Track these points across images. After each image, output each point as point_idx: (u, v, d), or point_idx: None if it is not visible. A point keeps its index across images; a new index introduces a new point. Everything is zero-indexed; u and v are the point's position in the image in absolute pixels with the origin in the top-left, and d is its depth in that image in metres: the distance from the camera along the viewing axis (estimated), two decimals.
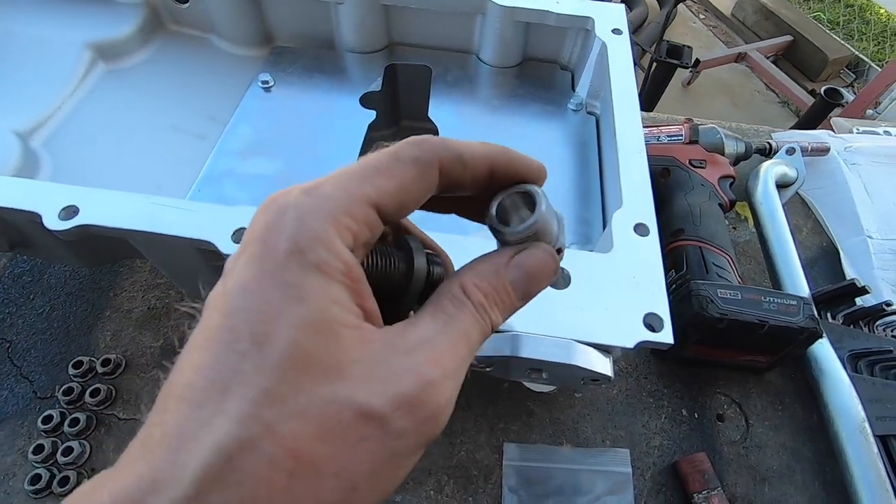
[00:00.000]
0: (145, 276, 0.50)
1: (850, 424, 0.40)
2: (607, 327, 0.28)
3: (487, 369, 0.29)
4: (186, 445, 0.13)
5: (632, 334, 0.28)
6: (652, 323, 0.28)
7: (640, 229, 0.32)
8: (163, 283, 0.49)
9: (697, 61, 1.97)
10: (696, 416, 0.44)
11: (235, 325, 0.14)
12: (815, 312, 0.41)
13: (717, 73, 2.22)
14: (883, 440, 0.40)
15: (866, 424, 0.40)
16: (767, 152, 0.59)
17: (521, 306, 0.18)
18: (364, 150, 0.45)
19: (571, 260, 0.30)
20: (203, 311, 0.15)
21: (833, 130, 0.67)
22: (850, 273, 0.53)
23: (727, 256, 0.47)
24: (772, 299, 0.41)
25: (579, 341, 0.28)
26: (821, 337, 0.40)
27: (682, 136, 0.55)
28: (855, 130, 0.66)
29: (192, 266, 0.35)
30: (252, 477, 0.13)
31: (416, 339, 0.15)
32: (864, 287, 0.45)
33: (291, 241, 0.14)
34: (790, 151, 0.58)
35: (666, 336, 0.28)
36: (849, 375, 0.43)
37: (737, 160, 0.57)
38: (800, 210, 0.59)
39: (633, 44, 1.73)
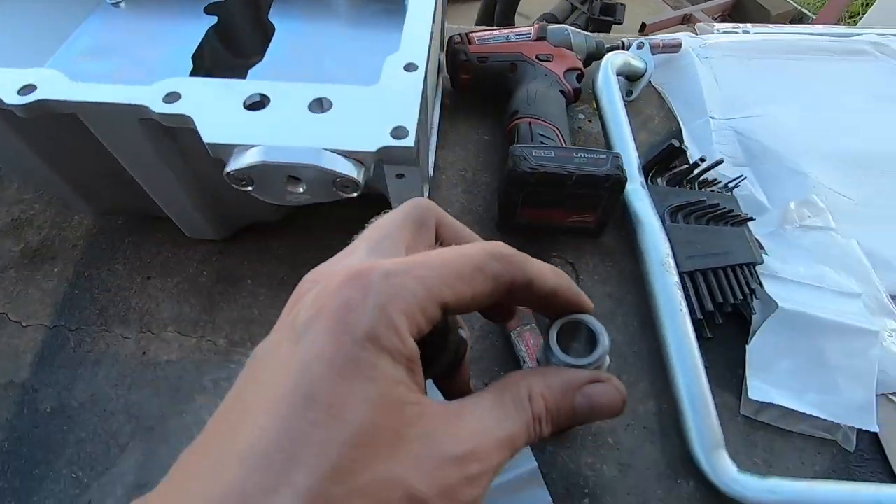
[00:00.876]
0: (11, 192, 0.52)
1: (655, 260, 0.43)
2: (356, 138, 0.31)
3: (249, 188, 0.31)
4: None
5: (377, 141, 0.31)
6: (398, 133, 0.31)
7: (410, 67, 0.35)
8: (28, 198, 0.51)
9: (644, 25, 2.01)
10: None
11: (309, 392, 0.14)
12: (622, 163, 0.44)
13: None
14: (690, 275, 0.43)
15: (669, 259, 0.43)
16: (619, 49, 0.62)
17: (567, 429, 0.19)
18: (198, 54, 0.48)
19: (336, 93, 0.33)
20: (255, 363, 0.16)
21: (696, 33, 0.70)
22: (691, 149, 0.56)
23: (556, 129, 0.49)
24: (583, 155, 0.44)
25: (329, 150, 0.30)
26: (625, 183, 0.43)
27: (530, 34, 0.58)
28: (716, 31, 0.70)
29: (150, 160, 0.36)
30: None
31: (469, 428, 0.16)
32: (680, 147, 0.48)
33: (370, 326, 0.15)
34: (640, 46, 0.61)
35: (409, 142, 0.31)
36: (666, 226, 0.46)
37: (589, 57, 0.60)
38: (655, 102, 0.62)
39: (567, 1, 1.75)
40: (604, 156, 0.44)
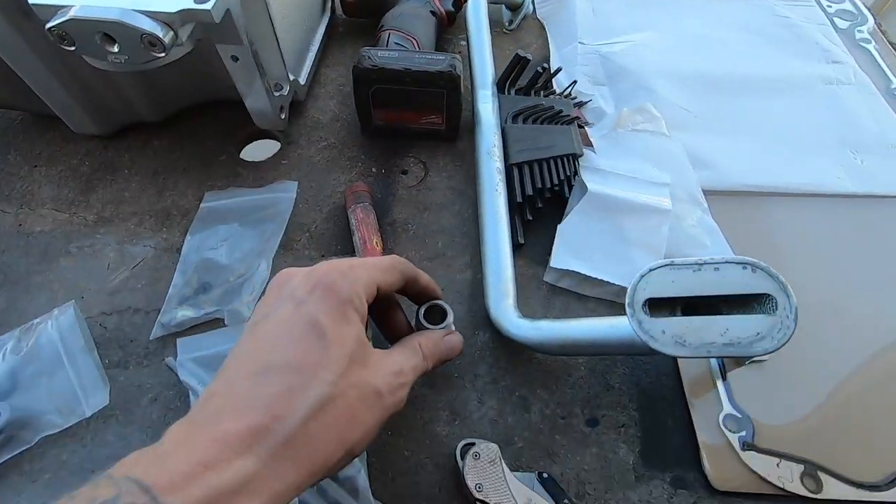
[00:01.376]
0: None
1: (483, 150, 0.48)
2: (163, 1, 0.35)
3: (72, 48, 0.36)
4: (297, 396, 0.23)
5: (179, 4, 0.35)
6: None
7: None
8: None
9: None
10: (384, 171, 0.52)
11: (321, 331, 0.25)
12: (458, 63, 0.48)
13: None
14: (518, 166, 0.48)
15: (495, 149, 0.48)
16: None
17: (439, 365, 0.33)
18: None
19: None
20: (257, 323, 0.26)
21: None
22: (561, 71, 0.60)
23: (413, 40, 0.54)
24: (423, 56, 0.48)
25: (136, 10, 0.35)
26: (458, 80, 0.47)
27: None
28: None
29: None
30: (334, 416, 0.23)
31: (396, 360, 0.29)
32: (525, 57, 0.52)
33: (348, 294, 0.26)
34: None
35: (208, 6, 0.35)
36: (505, 127, 0.50)
37: None
38: (536, 32, 0.67)
39: None
40: (442, 57, 0.48)
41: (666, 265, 0.31)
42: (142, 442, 0.37)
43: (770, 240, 0.46)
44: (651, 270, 0.30)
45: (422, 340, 0.31)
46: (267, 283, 0.40)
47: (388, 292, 0.30)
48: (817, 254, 0.46)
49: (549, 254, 0.45)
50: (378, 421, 0.26)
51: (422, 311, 0.35)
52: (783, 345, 0.29)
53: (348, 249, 0.46)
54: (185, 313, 0.41)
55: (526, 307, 0.42)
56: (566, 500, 0.34)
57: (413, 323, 0.36)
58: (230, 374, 0.24)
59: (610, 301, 0.43)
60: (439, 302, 0.35)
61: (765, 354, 0.29)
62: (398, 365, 0.28)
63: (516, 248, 0.45)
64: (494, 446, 0.35)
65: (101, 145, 0.53)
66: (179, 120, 0.55)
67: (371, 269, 0.29)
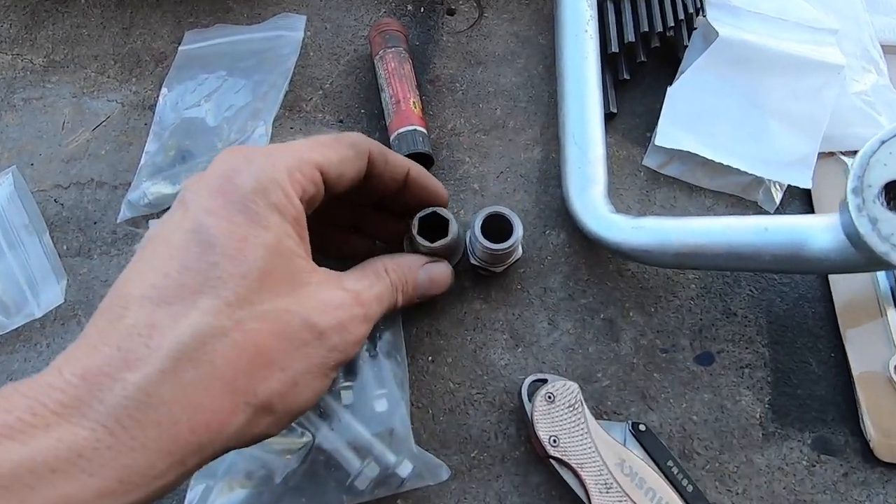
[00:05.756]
0: None
1: None
2: None
3: None
4: (159, 332, 0.16)
5: None
6: None
7: None
8: None
9: None
10: (423, 9, 0.38)
11: (204, 239, 0.17)
12: None
13: None
14: (615, 3, 0.33)
15: None
16: None
17: (416, 301, 0.24)
18: None
19: None
20: (152, 235, 0.18)
21: None
22: None
23: None
24: None
25: None
26: None
27: None
28: None
29: None
30: (222, 357, 0.16)
31: (349, 285, 0.21)
32: None
33: (257, 182, 0.18)
34: None
35: None
36: None
37: None
38: None
39: None
40: None
41: None
42: None
43: None
44: None
45: (388, 264, 0.23)
46: None
47: (342, 182, 0.21)
48: None
49: (651, 128, 0.33)
50: (316, 367, 0.18)
51: (415, 223, 0.25)
52: None
53: (376, 113, 0.34)
54: (160, 189, 0.31)
55: (615, 201, 0.31)
56: (670, 462, 0.25)
57: (404, 240, 0.27)
58: (98, 310, 0.17)
59: (735, 198, 0.31)
60: (438, 210, 0.25)
61: None
62: (351, 291, 0.20)
63: (605, 119, 0.32)
64: (574, 386, 0.25)
65: None
66: None
67: (301, 148, 0.20)
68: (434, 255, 0.26)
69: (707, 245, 0.25)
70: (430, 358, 0.28)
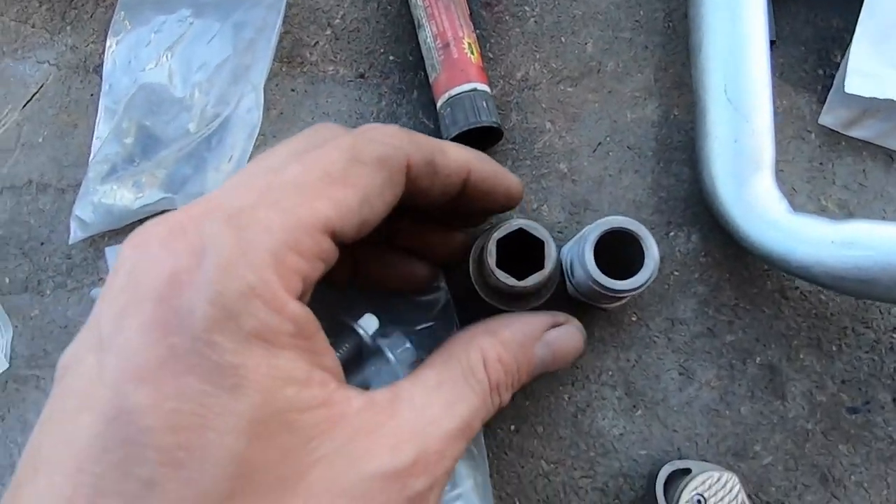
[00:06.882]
0: None
1: None
2: None
3: None
4: None
5: None
6: None
7: None
8: None
9: None
10: None
11: (131, 437, 0.09)
12: None
13: None
14: None
15: None
16: None
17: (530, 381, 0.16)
18: None
19: None
20: (58, 384, 0.11)
21: None
22: None
23: None
24: None
25: None
26: None
27: None
28: None
29: None
30: None
31: (409, 427, 0.12)
32: None
33: (216, 305, 0.10)
34: None
35: None
36: None
37: None
38: None
39: None
40: None
41: None
42: None
43: None
44: None
45: (489, 351, 0.14)
46: (258, 130, 0.21)
47: (366, 227, 0.13)
48: None
49: (825, 64, 0.22)
50: None
51: (490, 248, 0.17)
52: None
53: (411, 60, 0.23)
54: (119, 196, 0.22)
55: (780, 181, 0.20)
56: None
57: (470, 270, 0.18)
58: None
59: None
60: (525, 225, 0.17)
61: None
62: (414, 444, 0.12)
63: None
64: (734, 479, 0.17)
65: None
66: None
67: (295, 196, 0.11)
68: (522, 296, 0.17)
69: None
70: (512, 426, 0.20)
